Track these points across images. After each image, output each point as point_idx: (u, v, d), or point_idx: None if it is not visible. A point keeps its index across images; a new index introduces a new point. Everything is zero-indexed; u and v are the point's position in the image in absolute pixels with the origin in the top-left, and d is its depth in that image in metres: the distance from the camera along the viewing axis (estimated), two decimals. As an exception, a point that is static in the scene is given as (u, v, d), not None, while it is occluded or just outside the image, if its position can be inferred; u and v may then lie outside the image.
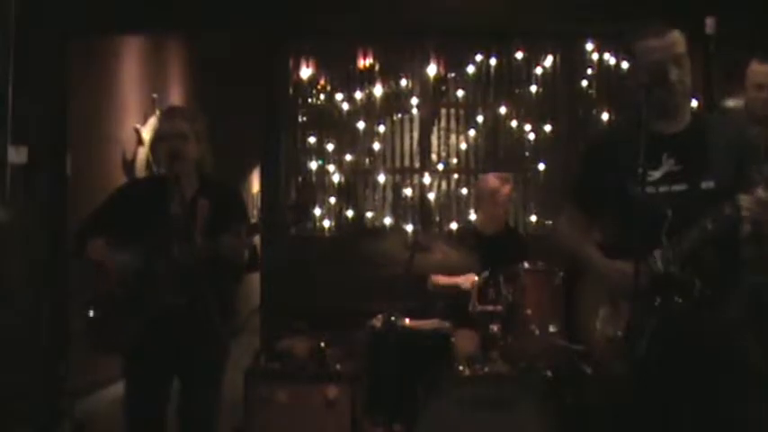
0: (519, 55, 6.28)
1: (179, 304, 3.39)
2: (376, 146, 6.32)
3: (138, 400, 3.57)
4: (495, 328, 4.30)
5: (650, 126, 2.76)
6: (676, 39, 2.81)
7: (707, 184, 2.76)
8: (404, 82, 6.32)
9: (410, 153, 6.37)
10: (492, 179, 5.02)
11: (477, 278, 4.55)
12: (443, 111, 6.39)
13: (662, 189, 2.79)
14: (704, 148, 2.78)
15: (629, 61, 2.93)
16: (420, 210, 6.32)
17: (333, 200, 6.30)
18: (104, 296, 3.50)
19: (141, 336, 3.46)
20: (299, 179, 6.31)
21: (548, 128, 6.28)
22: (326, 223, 6.29)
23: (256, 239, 3.69)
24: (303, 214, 3.56)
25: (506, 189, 4.99)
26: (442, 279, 4.85)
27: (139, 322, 3.44)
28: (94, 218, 3.68)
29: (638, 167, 2.62)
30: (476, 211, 5.36)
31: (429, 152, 6.35)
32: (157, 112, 7.40)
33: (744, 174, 2.69)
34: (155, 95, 7.52)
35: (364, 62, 6.31)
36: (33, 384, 5.15)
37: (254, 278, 6.37)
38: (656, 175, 2.79)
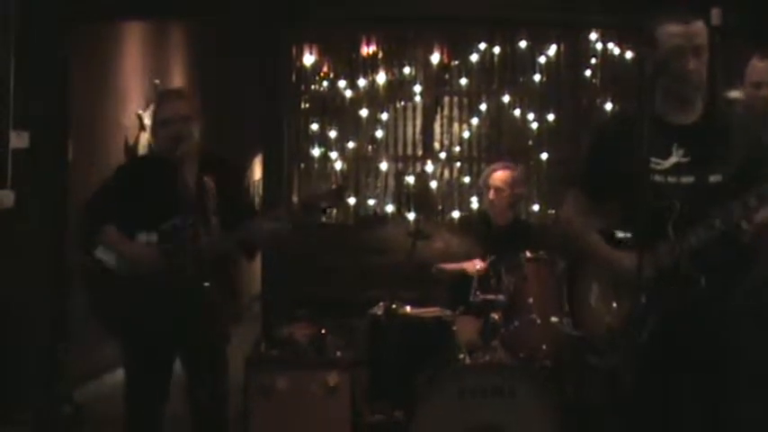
0: (523, 44, 6.24)
1: (199, 286, 3.38)
2: (379, 133, 6.30)
3: (138, 384, 3.56)
4: (496, 316, 4.30)
5: (662, 116, 2.75)
6: (700, 29, 2.79)
7: (715, 178, 2.75)
8: (407, 70, 6.28)
9: (413, 141, 6.34)
10: (498, 172, 4.98)
11: (481, 263, 4.54)
12: (446, 99, 6.36)
13: (670, 179, 2.78)
14: (715, 142, 2.77)
15: (646, 49, 2.86)
16: (422, 198, 6.30)
17: (335, 187, 6.27)
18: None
19: (148, 317, 3.46)
20: (301, 167, 6.28)
21: (551, 117, 6.25)
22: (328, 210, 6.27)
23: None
24: (335, 201, 3.53)
25: (512, 182, 4.94)
26: (447, 264, 4.84)
27: (165, 305, 3.43)
28: (103, 197, 3.64)
29: (645, 155, 2.61)
30: (479, 201, 5.33)
31: (432, 140, 6.33)
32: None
33: (753, 170, 2.69)
34: (157, 81, 7.51)
35: (368, 49, 6.27)
36: (33, 369, 5.16)
37: (256, 265, 6.36)
38: (665, 164, 2.78)
